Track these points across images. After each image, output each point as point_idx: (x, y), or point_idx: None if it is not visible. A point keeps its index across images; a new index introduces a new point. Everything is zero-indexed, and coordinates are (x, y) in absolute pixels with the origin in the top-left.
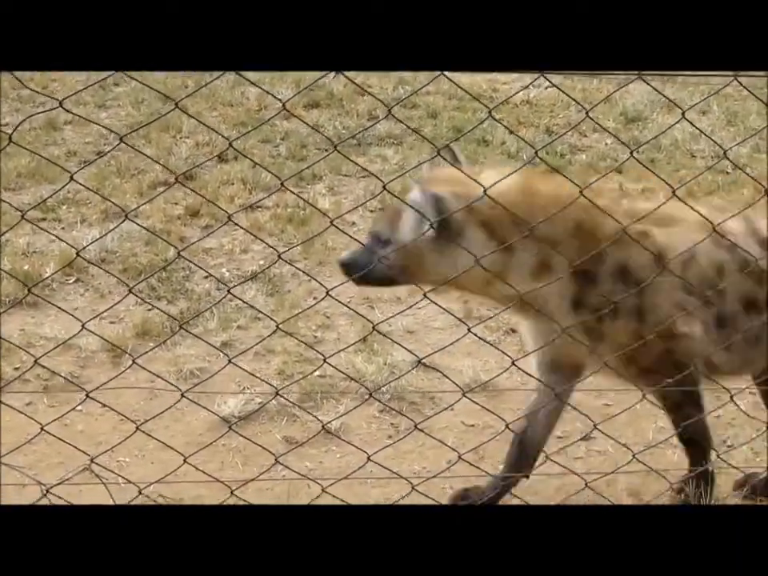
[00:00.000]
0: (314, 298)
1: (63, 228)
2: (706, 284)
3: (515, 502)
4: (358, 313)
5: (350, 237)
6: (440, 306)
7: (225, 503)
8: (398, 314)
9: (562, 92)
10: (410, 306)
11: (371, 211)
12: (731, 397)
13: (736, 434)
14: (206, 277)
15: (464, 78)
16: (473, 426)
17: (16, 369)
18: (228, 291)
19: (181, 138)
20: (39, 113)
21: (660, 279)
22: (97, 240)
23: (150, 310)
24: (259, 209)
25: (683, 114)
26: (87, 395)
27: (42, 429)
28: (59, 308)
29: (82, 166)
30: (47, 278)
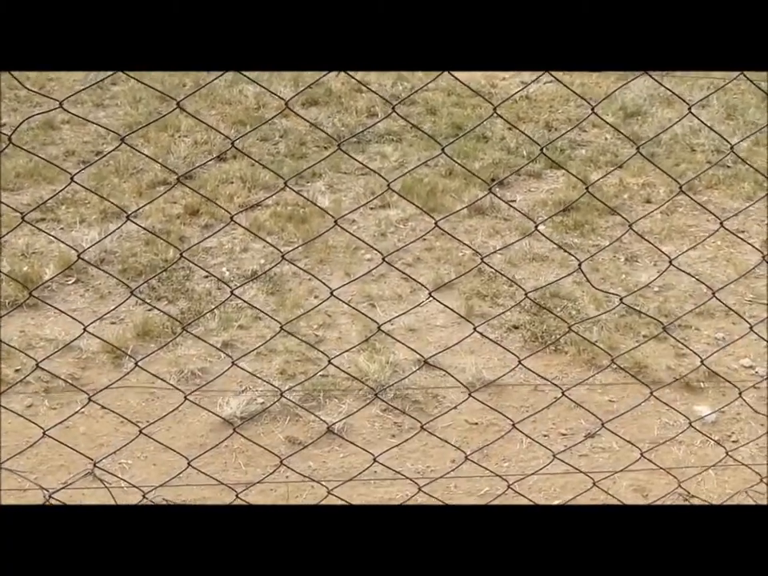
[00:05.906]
0: (315, 297)
1: (62, 228)
2: None
3: (521, 501)
4: (361, 312)
5: (352, 235)
6: (442, 304)
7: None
8: (402, 314)
9: (568, 88)
10: (416, 306)
11: (372, 209)
12: (740, 393)
13: (741, 428)
14: (206, 276)
15: (462, 74)
16: (476, 424)
17: (17, 371)
18: (231, 293)
19: (179, 136)
20: (39, 113)
21: None
22: (98, 242)
23: (150, 310)
24: (259, 207)
25: (690, 108)
26: (90, 399)
27: (44, 433)
28: (60, 310)
29: (83, 167)
30: (48, 280)
